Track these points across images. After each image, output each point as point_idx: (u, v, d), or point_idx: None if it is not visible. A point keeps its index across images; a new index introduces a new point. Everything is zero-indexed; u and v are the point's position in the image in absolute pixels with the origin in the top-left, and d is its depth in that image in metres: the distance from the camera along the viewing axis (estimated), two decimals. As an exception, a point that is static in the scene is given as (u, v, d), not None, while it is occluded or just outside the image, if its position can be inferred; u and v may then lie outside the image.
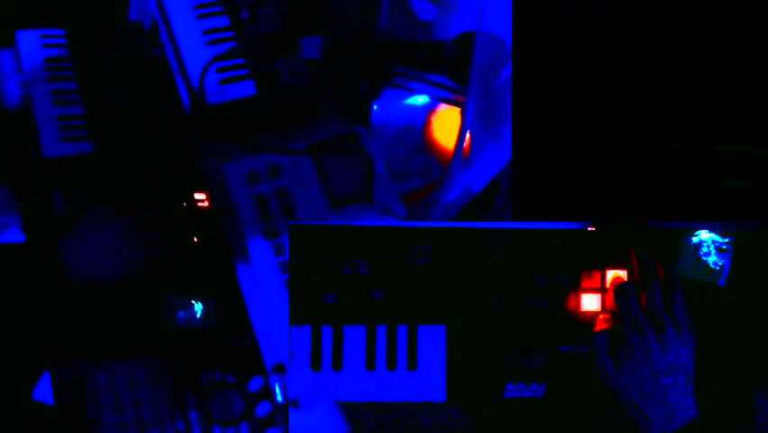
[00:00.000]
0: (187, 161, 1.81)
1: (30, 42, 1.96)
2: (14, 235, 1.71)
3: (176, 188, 1.77)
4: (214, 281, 1.70)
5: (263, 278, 1.65)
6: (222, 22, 1.90)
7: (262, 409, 1.57)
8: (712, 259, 1.48)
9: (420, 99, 1.71)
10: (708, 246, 1.48)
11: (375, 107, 1.73)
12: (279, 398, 1.57)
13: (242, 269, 1.68)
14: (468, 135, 1.47)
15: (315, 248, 1.50)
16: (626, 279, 1.46)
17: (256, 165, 1.75)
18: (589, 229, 1.48)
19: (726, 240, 1.47)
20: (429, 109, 1.70)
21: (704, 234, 1.48)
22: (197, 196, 1.77)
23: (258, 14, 1.88)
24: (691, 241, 1.48)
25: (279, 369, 1.58)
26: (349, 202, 1.71)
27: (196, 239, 1.74)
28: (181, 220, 1.75)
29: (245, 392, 1.59)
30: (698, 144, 1.47)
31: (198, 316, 1.64)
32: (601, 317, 1.45)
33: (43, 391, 1.58)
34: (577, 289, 1.48)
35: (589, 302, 1.47)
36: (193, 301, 1.64)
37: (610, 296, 1.46)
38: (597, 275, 1.48)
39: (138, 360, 1.59)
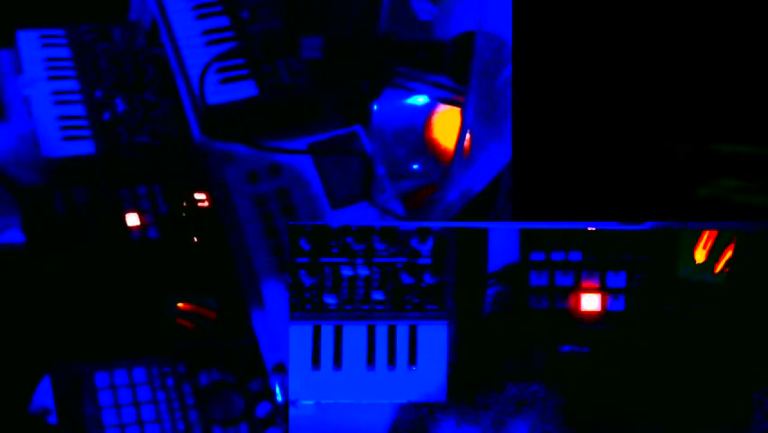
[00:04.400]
0: (187, 161, 1.81)
1: (30, 42, 1.96)
2: (14, 235, 1.71)
3: (176, 188, 1.77)
4: (214, 281, 1.70)
5: (264, 277, 1.65)
6: (222, 22, 1.90)
7: (262, 409, 1.57)
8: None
9: (420, 99, 1.71)
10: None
11: (375, 107, 1.73)
12: (279, 398, 1.57)
13: (241, 268, 1.68)
14: (468, 135, 1.47)
15: (315, 248, 1.50)
16: None
17: (256, 165, 1.75)
18: (589, 229, 1.48)
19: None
20: (429, 109, 1.70)
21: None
22: (197, 196, 1.77)
23: (258, 14, 1.88)
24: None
25: (279, 369, 1.57)
26: (349, 202, 1.71)
27: (196, 239, 1.74)
28: (181, 220, 1.75)
29: (245, 392, 1.59)
30: (698, 144, 1.47)
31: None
32: None
33: (43, 392, 1.58)
34: (577, 289, 1.48)
35: (589, 302, 1.47)
36: None
37: (609, 296, 1.47)
38: (597, 275, 1.48)
39: (138, 360, 1.59)
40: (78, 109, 1.87)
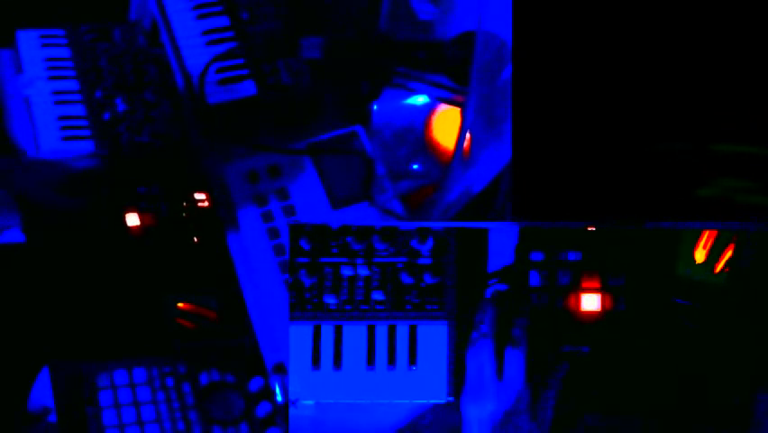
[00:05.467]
0: (187, 161, 1.81)
1: (30, 42, 1.96)
2: (14, 235, 1.71)
3: (176, 188, 1.77)
4: (214, 281, 1.70)
5: (264, 277, 1.65)
6: (222, 22, 1.90)
7: (262, 409, 1.57)
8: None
9: (420, 99, 1.71)
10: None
11: (375, 107, 1.73)
12: (279, 398, 1.57)
13: (241, 268, 1.68)
14: (468, 135, 1.47)
15: (315, 248, 1.50)
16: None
17: (256, 165, 1.75)
18: (589, 229, 1.48)
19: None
20: (429, 109, 1.70)
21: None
22: (197, 196, 1.77)
23: (258, 14, 1.88)
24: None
25: (279, 369, 1.58)
26: (349, 202, 1.71)
27: (196, 239, 1.74)
28: (181, 220, 1.75)
29: (245, 392, 1.59)
30: (698, 144, 1.47)
31: None
32: None
33: (43, 392, 1.58)
34: (577, 289, 1.48)
35: (589, 302, 1.47)
36: None
37: (609, 296, 1.47)
38: (597, 275, 1.48)
39: (138, 360, 1.59)
40: (78, 109, 1.87)
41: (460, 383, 1.46)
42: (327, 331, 1.49)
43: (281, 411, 1.56)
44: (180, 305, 1.69)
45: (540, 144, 1.47)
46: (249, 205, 1.72)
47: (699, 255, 1.47)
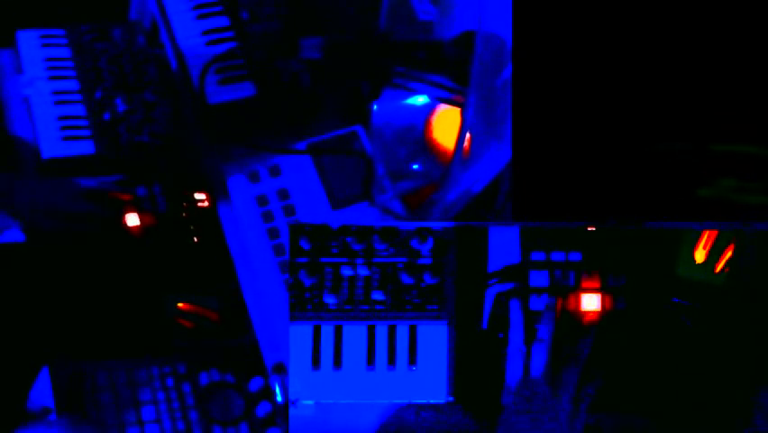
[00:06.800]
0: (187, 161, 1.81)
1: (30, 42, 1.96)
2: (14, 235, 1.71)
3: (176, 188, 1.77)
4: (214, 281, 1.70)
5: (264, 277, 1.65)
6: (222, 22, 1.90)
7: (262, 409, 1.58)
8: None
9: (420, 99, 1.71)
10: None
11: (375, 107, 1.73)
12: (279, 398, 1.57)
13: (241, 268, 1.68)
14: (468, 135, 1.47)
15: (315, 248, 1.50)
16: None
17: (256, 165, 1.75)
18: (589, 229, 1.48)
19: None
20: (429, 109, 1.70)
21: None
22: (197, 196, 1.77)
23: (258, 14, 1.88)
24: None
25: (279, 369, 1.58)
26: (349, 202, 1.71)
27: (196, 239, 1.74)
28: (181, 220, 1.75)
29: (245, 392, 1.59)
30: (698, 144, 1.47)
31: None
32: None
33: (43, 392, 1.58)
34: (577, 289, 1.48)
35: (589, 302, 1.47)
36: None
37: (609, 296, 1.47)
38: (597, 275, 1.48)
39: (138, 360, 1.59)
40: (78, 109, 1.87)
41: (458, 383, 1.46)
42: (327, 331, 1.49)
43: (281, 411, 1.56)
44: (180, 305, 1.69)
45: (540, 144, 1.47)
46: (249, 204, 1.72)
47: (699, 255, 1.47)
